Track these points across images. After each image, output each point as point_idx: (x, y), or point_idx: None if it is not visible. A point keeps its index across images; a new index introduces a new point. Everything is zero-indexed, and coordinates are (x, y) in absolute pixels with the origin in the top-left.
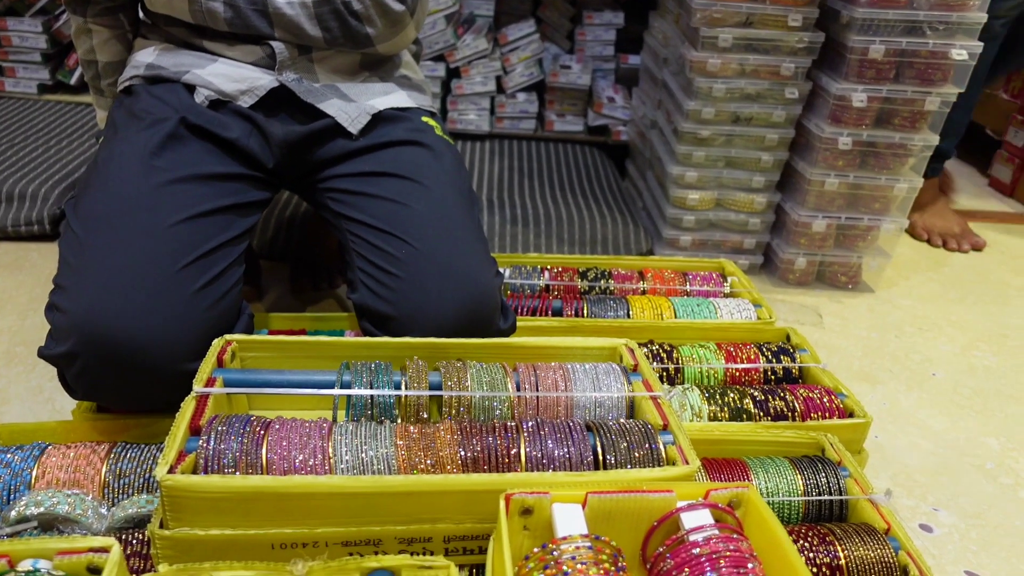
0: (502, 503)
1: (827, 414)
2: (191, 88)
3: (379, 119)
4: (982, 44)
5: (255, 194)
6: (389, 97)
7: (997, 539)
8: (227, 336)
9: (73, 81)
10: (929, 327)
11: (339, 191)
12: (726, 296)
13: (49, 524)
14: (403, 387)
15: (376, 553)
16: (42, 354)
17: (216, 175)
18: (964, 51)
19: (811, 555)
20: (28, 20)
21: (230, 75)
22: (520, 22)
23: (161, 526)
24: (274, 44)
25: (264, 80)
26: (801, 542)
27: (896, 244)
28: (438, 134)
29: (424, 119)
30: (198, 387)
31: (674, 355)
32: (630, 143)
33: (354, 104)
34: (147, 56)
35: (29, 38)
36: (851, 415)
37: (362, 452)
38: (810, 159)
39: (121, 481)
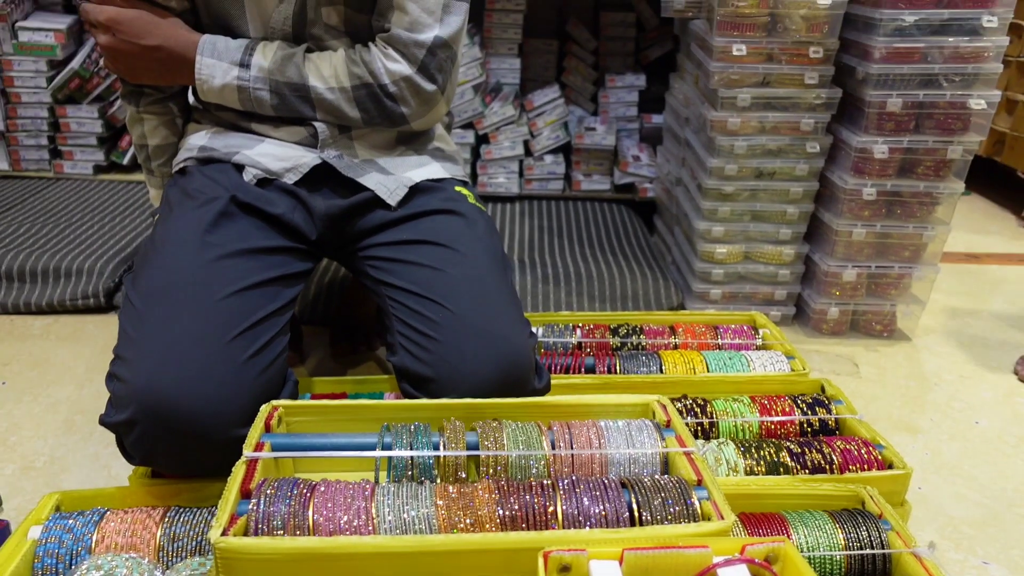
0: (540, 561)
1: (866, 466)
2: (240, 167)
3: (415, 190)
4: (1000, 92)
5: (299, 265)
6: (424, 169)
7: None
8: (273, 402)
9: (126, 161)
10: (970, 374)
11: (378, 259)
12: (758, 349)
13: None
14: (441, 448)
15: None
16: (103, 422)
17: (264, 249)
18: (983, 100)
19: None
20: (85, 107)
21: (276, 155)
22: (545, 88)
23: None
24: (316, 124)
25: (308, 158)
26: None
27: (930, 291)
28: (471, 202)
29: (457, 188)
30: (248, 452)
31: (708, 409)
32: (657, 199)
33: (392, 177)
34: (199, 139)
35: (86, 123)
36: (890, 466)
37: (404, 512)
38: (836, 210)
39: (175, 544)
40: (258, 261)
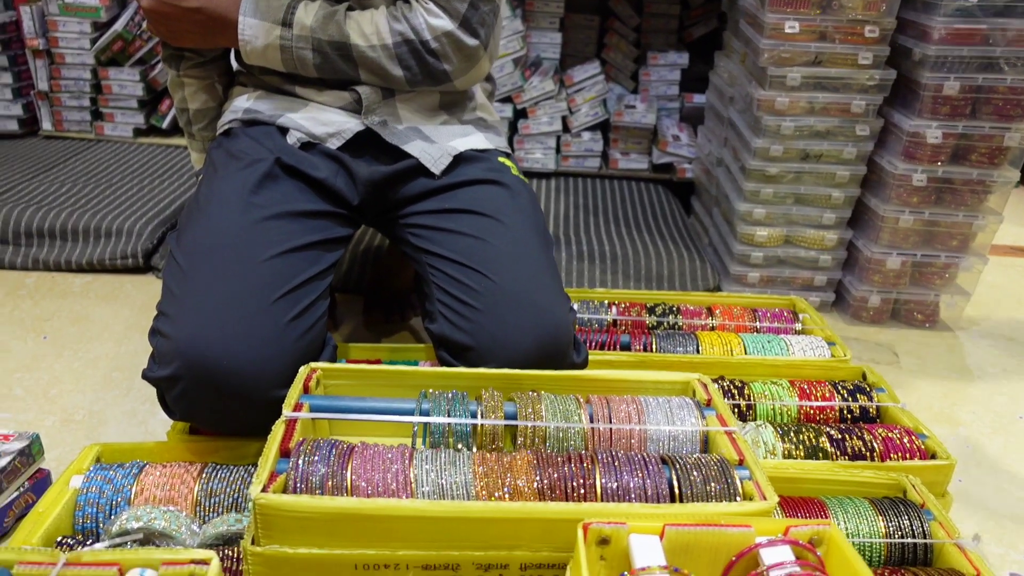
0: (580, 532)
1: (908, 455)
2: (284, 130)
3: (459, 159)
4: None
5: (340, 230)
6: (468, 139)
7: None
8: (312, 364)
9: (165, 125)
10: (1014, 368)
11: (420, 227)
12: (798, 333)
13: (146, 538)
14: (479, 416)
15: None
16: (146, 376)
17: (306, 212)
18: None
19: None
20: (127, 70)
21: (320, 119)
22: (585, 64)
23: (253, 543)
24: (360, 89)
25: (351, 124)
26: None
27: (976, 282)
28: (514, 174)
29: (501, 159)
30: (287, 411)
31: (745, 391)
32: (696, 180)
33: (436, 145)
34: (244, 102)
35: (128, 86)
36: (933, 456)
37: (442, 478)
38: (883, 196)
39: (212, 500)
40: (301, 224)
